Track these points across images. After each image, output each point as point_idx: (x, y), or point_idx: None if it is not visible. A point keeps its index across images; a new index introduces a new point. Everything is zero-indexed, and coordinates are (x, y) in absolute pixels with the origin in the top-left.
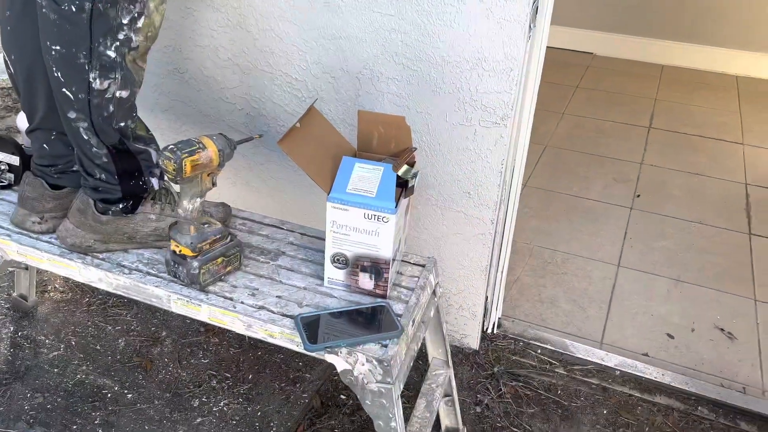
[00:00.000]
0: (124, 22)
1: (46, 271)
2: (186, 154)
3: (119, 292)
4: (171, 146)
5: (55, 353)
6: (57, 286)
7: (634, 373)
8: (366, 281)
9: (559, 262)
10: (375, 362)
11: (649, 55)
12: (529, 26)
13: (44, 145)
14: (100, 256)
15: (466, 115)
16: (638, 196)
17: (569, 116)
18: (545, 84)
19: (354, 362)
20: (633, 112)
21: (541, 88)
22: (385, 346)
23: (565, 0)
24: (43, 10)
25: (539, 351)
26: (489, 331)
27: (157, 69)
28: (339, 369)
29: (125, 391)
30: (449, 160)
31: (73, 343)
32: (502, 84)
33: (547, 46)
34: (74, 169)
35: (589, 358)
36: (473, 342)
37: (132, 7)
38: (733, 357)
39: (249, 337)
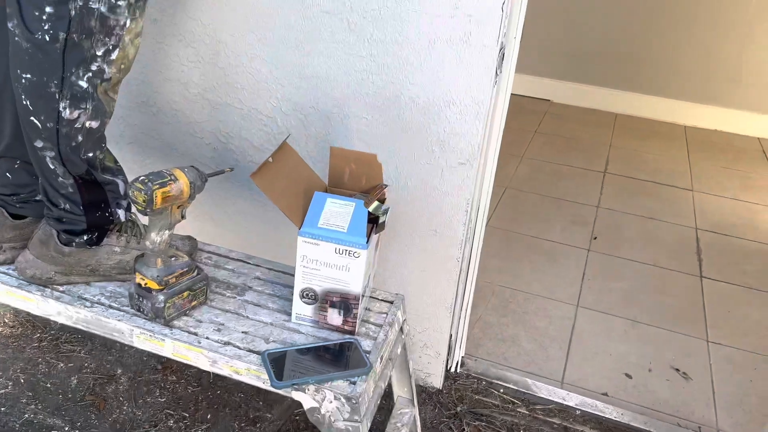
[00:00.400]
0: (98, 53)
1: None
2: (157, 186)
3: (79, 326)
4: (142, 177)
5: (2, 391)
6: (6, 320)
7: (594, 412)
8: (335, 317)
9: (520, 302)
10: (343, 399)
11: (604, 103)
12: (496, 72)
13: (7, 174)
14: (60, 288)
15: (434, 155)
16: (595, 238)
17: (528, 160)
18: (505, 129)
19: (321, 399)
20: (589, 157)
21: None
22: (354, 383)
23: (524, 49)
24: (16, 38)
25: (502, 390)
26: (452, 369)
27: (125, 101)
28: (306, 407)
29: None
30: (417, 198)
31: (22, 380)
32: (470, 126)
33: None
34: (37, 198)
35: (550, 398)
36: (437, 381)
37: (107, 39)
38: (689, 397)
39: (208, 375)
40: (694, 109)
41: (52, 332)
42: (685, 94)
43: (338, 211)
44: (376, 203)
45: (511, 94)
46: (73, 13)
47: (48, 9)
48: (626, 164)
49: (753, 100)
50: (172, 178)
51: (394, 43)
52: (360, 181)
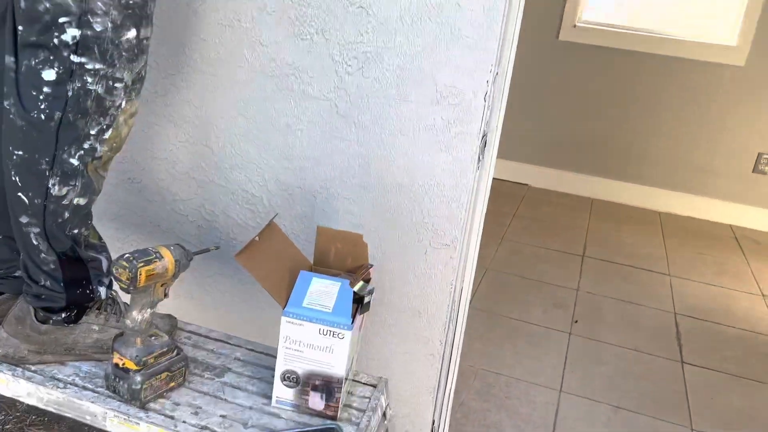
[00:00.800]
0: (92, 132)
1: None
2: (142, 264)
3: (50, 408)
4: (127, 255)
5: None
6: None
7: None
8: (316, 401)
9: (503, 386)
10: None
11: (580, 188)
12: (478, 158)
13: None
14: (32, 368)
15: (418, 236)
16: (576, 322)
17: (508, 242)
18: (485, 211)
19: None
20: (567, 240)
21: None
22: None
23: (503, 136)
24: (11, 116)
25: None
26: None
27: (111, 178)
28: None
29: None
30: (400, 278)
31: None
32: (453, 209)
33: None
34: (16, 274)
35: None
36: None
37: (102, 119)
38: None
39: None
40: (668, 196)
41: (18, 414)
42: (658, 182)
43: (323, 291)
44: (361, 283)
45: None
46: (70, 93)
47: (46, 89)
48: (604, 248)
49: (723, 188)
50: (158, 256)
51: (379, 127)
52: (345, 260)
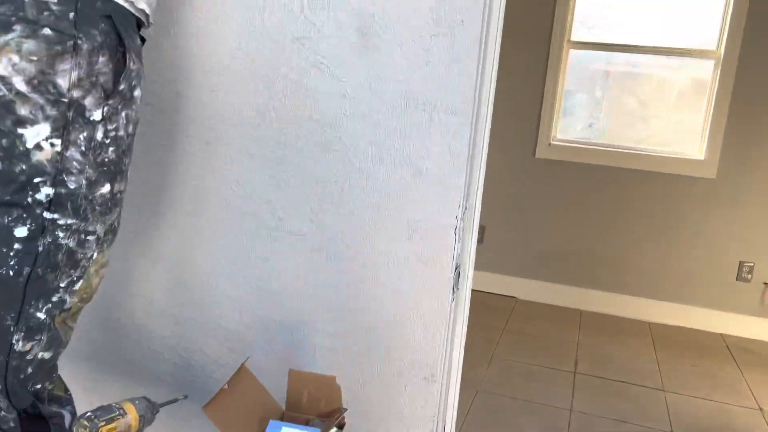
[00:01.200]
0: (61, 285)
1: None
2: (104, 423)
3: None
4: (89, 414)
5: None
6: None
7: None
8: None
9: None
10: None
11: (568, 300)
12: (453, 289)
13: None
14: None
15: (397, 370)
16: None
17: (498, 360)
18: (474, 326)
19: None
20: (558, 356)
21: (470, 330)
22: None
23: (488, 249)
24: None
25: None
26: None
27: (85, 316)
28: None
29: None
30: (380, 415)
31: None
32: (431, 342)
33: (474, 290)
34: None
35: None
36: None
37: (72, 271)
38: None
39: None
40: (656, 306)
41: None
42: (645, 292)
43: None
44: (334, 430)
45: (478, 290)
46: (41, 248)
47: (17, 246)
48: (595, 363)
49: (710, 297)
50: (121, 412)
51: (354, 261)
52: (318, 404)
